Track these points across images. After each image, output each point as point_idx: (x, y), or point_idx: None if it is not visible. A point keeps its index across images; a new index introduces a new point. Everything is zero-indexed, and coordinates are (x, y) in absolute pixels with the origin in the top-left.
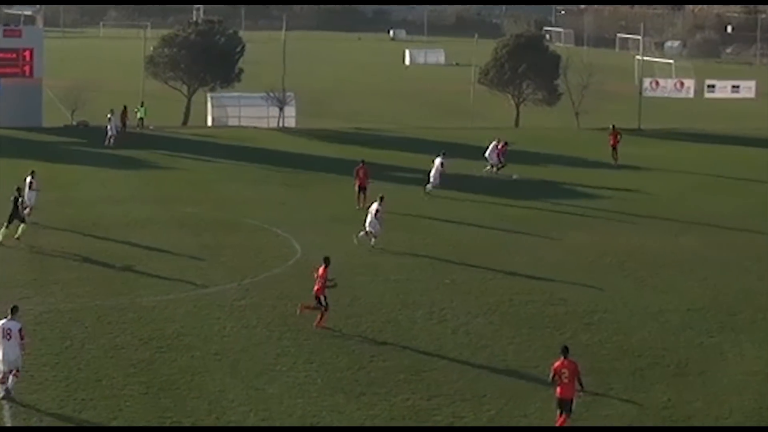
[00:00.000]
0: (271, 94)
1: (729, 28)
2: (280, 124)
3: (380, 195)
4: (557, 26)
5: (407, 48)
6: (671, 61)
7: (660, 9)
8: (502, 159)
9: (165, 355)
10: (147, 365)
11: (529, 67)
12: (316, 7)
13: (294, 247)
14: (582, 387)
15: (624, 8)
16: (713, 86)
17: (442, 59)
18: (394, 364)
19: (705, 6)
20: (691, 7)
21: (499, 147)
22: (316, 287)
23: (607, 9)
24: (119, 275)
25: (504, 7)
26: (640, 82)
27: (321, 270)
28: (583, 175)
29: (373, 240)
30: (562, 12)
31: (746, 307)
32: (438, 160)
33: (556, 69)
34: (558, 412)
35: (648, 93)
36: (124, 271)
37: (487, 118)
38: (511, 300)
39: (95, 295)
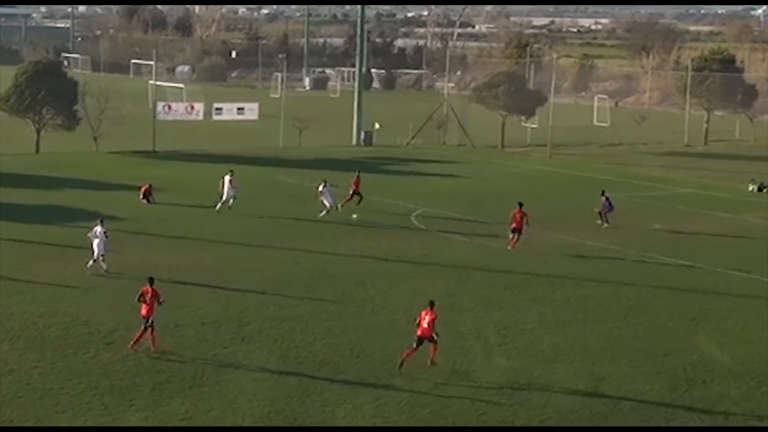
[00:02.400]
0: None
1: (234, 54)
2: None
3: (100, 219)
4: (75, 52)
5: None
6: (182, 85)
7: (170, 35)
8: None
9: None
10: None
11: (48, 93)
12: None
13: None
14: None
15: (137, 35)
16: (221, 109)
17: None
18: None
19: (212, 33)
20: (199, 33)
21: (321, 189)
22: (144, 309)
23: (121, 36)
24: None
25: (23, 31)
26: (154, 106)
27: (149, 290)
28: (103, 197)
29: (101, 263)
30: (79, 39)
31: (255, 318)
32: (227, 177)
33: (74, 94)
34: (414, 346)
35: (161, 116)
36: None
37: (8, 144)
38: (34, 324)
39: None
